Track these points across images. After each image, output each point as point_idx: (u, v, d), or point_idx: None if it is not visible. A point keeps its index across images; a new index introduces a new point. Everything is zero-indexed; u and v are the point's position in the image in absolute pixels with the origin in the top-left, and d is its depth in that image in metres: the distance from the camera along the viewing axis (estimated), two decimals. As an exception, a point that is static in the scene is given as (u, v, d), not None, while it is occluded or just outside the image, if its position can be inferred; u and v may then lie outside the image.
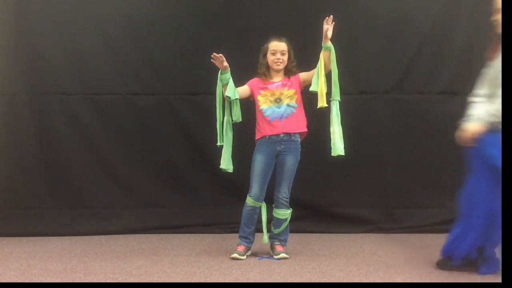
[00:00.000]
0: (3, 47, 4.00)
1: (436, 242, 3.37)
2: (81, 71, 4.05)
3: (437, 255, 3.09)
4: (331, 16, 3.00)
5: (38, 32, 4.01)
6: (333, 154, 3.07)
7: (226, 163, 3.16)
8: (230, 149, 3.16)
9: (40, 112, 4.03)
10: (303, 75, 3.20)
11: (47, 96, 4.03)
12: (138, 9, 4.05)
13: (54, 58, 4.02)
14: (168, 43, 4.06)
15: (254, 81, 3.21)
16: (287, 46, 3.17)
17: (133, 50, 4.06)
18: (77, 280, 2.62)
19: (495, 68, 2.64)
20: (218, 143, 3.17)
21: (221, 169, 3.17)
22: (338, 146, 3.05)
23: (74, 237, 3.75)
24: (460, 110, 4.10)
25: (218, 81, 3.08)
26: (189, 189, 4.09)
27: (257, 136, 3.19)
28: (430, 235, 3.74)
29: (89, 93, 4.06)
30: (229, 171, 3.18)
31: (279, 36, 3.18)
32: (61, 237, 3.73)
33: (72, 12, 4.02)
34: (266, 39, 3.21)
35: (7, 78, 4.01)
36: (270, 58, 3.16)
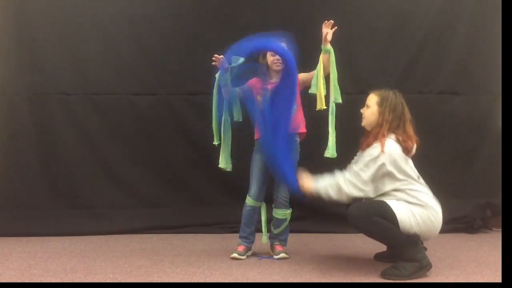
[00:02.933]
0: (3, 47, 4.00)
1: (436, 242, 3.38)
2: (81, 71, 4.04)
3: (436, 255, 3.10)
4: (331, 20, 2.99)
5: (38, 32, 4.01)
6: (325, 155, 3.06)
7: (224, 162, 3.15)
8: (229, 148, 3.16)
9: (40, 112, 4.02)
10: (302, 76, 3.19)
11: (47, 96, 4.03)
12: (139, 9, 4.04)
13: (54, 58, 4.02)
14: (168, 43, 4.06)
15: (254, 81, 3.21)
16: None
17: (133, 50, 4.06)
18: (77, 280, 2.62)
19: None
20: (215, 142, 3.16)
21: (220, 169, 3.17)
22: (330, 149, 3.05)
23: (74, 237, 3.75)
24: (460, 110, 4.16)
25: (216, 82, 3.07)
26: (189, 189, 4.09)
27: (256, 136, 3.19)
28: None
29: (89, 93, 4.05)
30: (228, 169, 3.18)
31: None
32: (61, 237, 3.73)
33: (72, 12, 4.01)
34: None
35: (7, 78, 4.00)
36: (269, 58, 3.16)
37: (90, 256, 3.16)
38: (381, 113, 2.78)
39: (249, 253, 3.18)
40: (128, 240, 3.67)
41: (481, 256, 3.17)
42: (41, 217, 3.92)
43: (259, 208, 3.18)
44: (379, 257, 3.07)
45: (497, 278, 2.64)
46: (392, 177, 2.67)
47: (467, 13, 4.11)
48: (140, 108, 4.07)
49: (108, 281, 2.62)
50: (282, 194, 3.14)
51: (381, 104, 2.80)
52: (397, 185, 2.68)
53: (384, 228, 2.63)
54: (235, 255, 3.08)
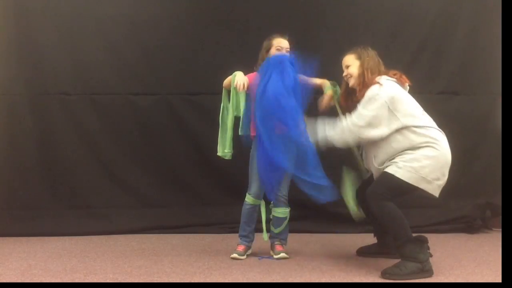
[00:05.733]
0: (3, 47, 4.00)
1: (436, 242, 3.38)
2: (81, 71, 4.05)
3: (436, 255, 3.10)
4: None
5: (38, 32, 4.01)
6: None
7: (221, 150, 3.14)
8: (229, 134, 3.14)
9: (40, 112, 4.03)
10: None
11: (47, 96, 4.03)
12: (139, 9, 4.05)
13: (54, 58, 4.02)
14: (168, 43, 4.06)
15: (255, 75, 3.19)
16: (289, 44, 3.17)
17: (133, 50, 4.06)
18: (77, 280, 2.62)
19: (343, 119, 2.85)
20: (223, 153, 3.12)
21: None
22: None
23: (74, 237, 3.75)
24: (460, 110, 4.15)
25: (232, 97, 3.07)
26: (189, 189, 4.08)
27: (253, 132, 3.16)
28: (430, 235, 3.72)
29: (89, 93, 4.06)
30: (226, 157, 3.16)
31: (282, 34, 3.17)
32: (61, 237, 3.73)
33: (72, 12, 4.02)
34: (265, 39, 3.20)
35: (7, 78, 4.01)
36: (275, 54, 3.14)
37: (90, 256, 3.16)
38: (363, 63, 2.87)
39: (249, 251, 3.18)
40: (128, 240, 3.67)
41: (481, 256, 3.17)
42: (41, 217, 3.92)
43: (259, 206, 3.17)
44: (361, 252, 3.12)
45: (497, 278, 2.64)
46: (397, 111, 2.71)
47: (467, 13, 4.11)
48: (140, 108, 4.07)
49: (108, 281, 2.62)
50: (283, 192, 3.13)
51: (360, 57, 2.91)
52: (403, 121, 2.71)
53: (395, 216, 2.67)
54: (235, 255, 3.08)
